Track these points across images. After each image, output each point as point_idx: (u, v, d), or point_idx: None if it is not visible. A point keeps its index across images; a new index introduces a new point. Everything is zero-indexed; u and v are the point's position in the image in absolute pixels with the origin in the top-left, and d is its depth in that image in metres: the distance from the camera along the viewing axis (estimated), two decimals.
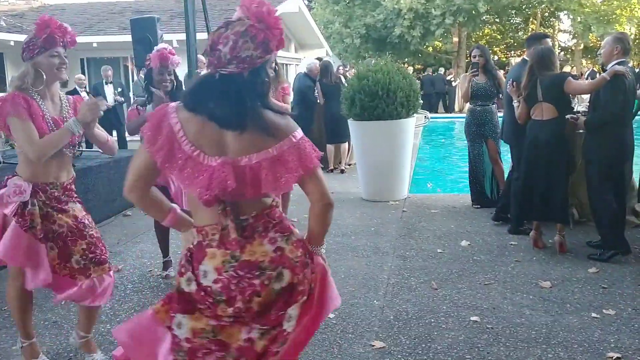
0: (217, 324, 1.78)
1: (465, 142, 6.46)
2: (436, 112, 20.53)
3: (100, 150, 3.06)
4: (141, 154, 1.80)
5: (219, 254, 1.78)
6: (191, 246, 1.86)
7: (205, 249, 1.80)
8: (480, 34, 29.37)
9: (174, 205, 2.02)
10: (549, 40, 5.35)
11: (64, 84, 3.07)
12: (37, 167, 2.76)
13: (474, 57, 6.13)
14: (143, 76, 9.31)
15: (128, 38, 7.67)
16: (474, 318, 3.53)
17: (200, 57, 9.22)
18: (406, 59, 27.04)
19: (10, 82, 2.86)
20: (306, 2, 23.20)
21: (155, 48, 4.06)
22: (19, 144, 2.69)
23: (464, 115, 6.54)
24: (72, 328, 3.51)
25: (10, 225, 2.77)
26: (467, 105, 6.36)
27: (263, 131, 1.75)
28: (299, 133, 1.82)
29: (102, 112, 2.79)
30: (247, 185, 1.74)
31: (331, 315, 3.62)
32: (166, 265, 4.44)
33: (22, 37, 14.34)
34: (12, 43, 13.97)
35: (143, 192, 1.86)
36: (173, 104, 1.83)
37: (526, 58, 5.25)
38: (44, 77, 2.72)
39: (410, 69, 21.10)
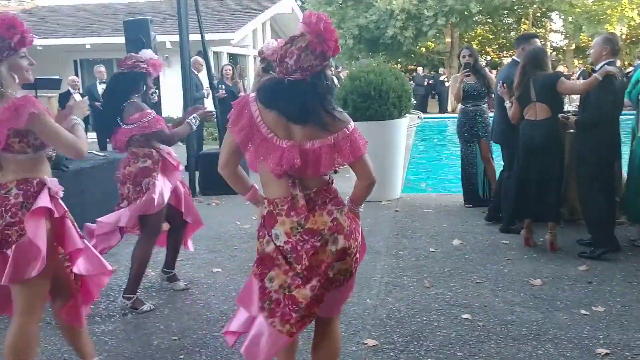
0: (291, 281, 2.24)
1: (458, 142, 6.51)
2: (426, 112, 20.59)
3: (92, 149, 3.01)
4: (229, 135, 2.28)
5: (287, 221, 2.22)
6: (263, 214, 2.32)
7: (276, 217, 2.25)
8: (473, 34, 29.47)
9: (254, 184, 2.45)
10: (537, 40, 5.41)
11: (57, 86, 3.06)
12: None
13: (464, 57, 6.19)
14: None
15: (121, 39, 7.67)
16: (465, 316, 3.57)
17: (197, 58, 9.24)
18: (399, 60, 27.11)
19: None
20: (299, 3, 23.26)
21: (148, 56, 3.87)
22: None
23: (457, 115, 6.59)
24: None
25: None
26: (459, 106, 6.41)
27: (321, 126, 2.19)
28: (351, 126, 2.26)
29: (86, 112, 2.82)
30: (309, 164, 2.20)
31: None
32: (172, 279, 4.23)
33: None
34: None
35: (234, 168, 2.35)
36: (252, 94, 2.27)
37: (516, 58, 5.30)
38: (16, 79, 2.59)
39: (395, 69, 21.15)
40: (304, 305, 2.22)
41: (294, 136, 2.20)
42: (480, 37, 31.20)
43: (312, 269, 2.22)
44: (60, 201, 2.63)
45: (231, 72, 10.17)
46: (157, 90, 4.02)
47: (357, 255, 2.35)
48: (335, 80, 9.16)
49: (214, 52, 15.30)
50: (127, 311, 3.77)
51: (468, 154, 6.30)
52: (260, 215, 2.36)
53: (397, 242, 5.23)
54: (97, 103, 10.09)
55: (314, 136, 2.20)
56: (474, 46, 31.98)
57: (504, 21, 29.89)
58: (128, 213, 3.75)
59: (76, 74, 14.34)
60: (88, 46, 14.60)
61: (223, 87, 9.76)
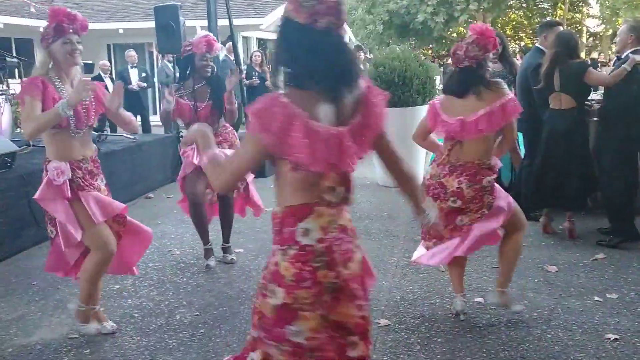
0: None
1: None
2: None
3: (123, 131, 3.29)
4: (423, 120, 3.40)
5: (325, 212, 1.79)
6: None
7: (314, 207, 1.78)
8: (506, 19, 28.96)
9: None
10: (560, 27, 5.35)
11: (90, 70, 3.26)
12: (61, 147, 2.97)
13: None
14: (173, 61, 9.45)
15: (153, 24, 7.84)
16: (478, 299, 3.65)
17: (229, 45, 9.34)
18: (429, 46, 26.84)
19: (33, 70, 3.02)
20: None
21: (200, 34, 4.14)
22: (22, 119, 2.95)
23: None
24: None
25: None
26: None
27: (479, 98, 3.12)
28: (507, 97, 3.13)
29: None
30: (466, 131, 3.18)
31: None
32: (208, 253, 4.38)
33: None
34: (41, 29, 14.28)
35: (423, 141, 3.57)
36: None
37: (539, 46, 5.26)
38: (60, 62, 2.93)
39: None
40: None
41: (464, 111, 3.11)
42: (514, 22, 30.63)
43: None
44: (65, 184, 2.96)
45: (261, 58, 10.24)
46: (211, 65, 4.20)
47: (478, 212, 3.18)
48: (363, 68, 9.18)
49: (243, 37, 15.42)
50: (195, 286, 4.02)
51: None
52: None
53: (415, 227, 5.29)
54: (129, 87, 10.37)
55: (475, 108, 3.07)
56: (508, 32, 31.49)
57: (539, 5, 29.27)
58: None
59: (109, 59, 14.64)
60: (121, 31, 14.85)
61: (255, 74, 9.84)
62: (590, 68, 4.61)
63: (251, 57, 10.56)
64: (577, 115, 4.64)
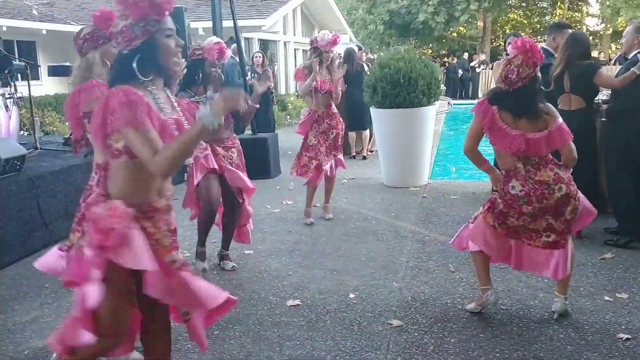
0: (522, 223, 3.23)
1: None
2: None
3: None
4: (475, 123, 3.28)
5: (520, 176, 3.20)
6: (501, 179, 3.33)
7: (512, 177, 3.22)
8: (506, 18, 29.02)
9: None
10: (570, 30, 5.36)
11: (63, 72, 3.21)
12: None
13: (509, 44, 6.05)
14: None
15: None
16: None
17: (233, 46, 9.38)
18: (430, 45, 26.90)
19: (75, 73, 2.96)
20: None
21: (211, 41, 4.08)
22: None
23: None
24: None
25: None
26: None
27: (537, 118, 3.18)
28: (560, 120, 3.23)
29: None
30: (531, 148, 3.16)
31: (351, 296, 3.80)
32: (202, 255, 4.35)
33: (53, 26, 14.70)
34: (44, 32, 14.30)
35: (476, 148, 3.34)
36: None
37: (546, 47, 5.28)
38: (108, 65, 2.90)
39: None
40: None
41: (520, 128, 3.15)
42: (513, 22, 30.69)
43: (542, 209, 3.17)
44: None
45: (261, 59, 10.28)
46: (219, 72, 4.17)
47: (578, 196, 3.23)
48: (366, 68, 9.20)
49: (245, 38, 15.44)
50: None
51: None
52: (500, 180, 3.31)
53: (423, 228, 5.33)
54: None
55: (535, 129, 3.15)
56: (507, 31, 31.52)
57: (538, 4, 29.34)
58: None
59: None
60: None
61: (255, 75, 9.88)
62: (600, 70, 4.62)
63: (252, 58, 10.59)
64: (586, 116, 4.66)
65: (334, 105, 5.59)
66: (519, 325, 3.34)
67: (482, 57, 22.86)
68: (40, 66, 9.88)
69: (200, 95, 4.11)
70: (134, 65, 1.99)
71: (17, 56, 10.66)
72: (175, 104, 2.18)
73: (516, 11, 29.32)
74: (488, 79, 20.08)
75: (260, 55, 10.50)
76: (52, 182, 5.13)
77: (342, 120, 5.69)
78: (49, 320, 3.55)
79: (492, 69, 20.95)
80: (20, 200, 4.81)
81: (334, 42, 5.38)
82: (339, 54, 9.72)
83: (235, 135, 4.38)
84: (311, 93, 5.40)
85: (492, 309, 3.53)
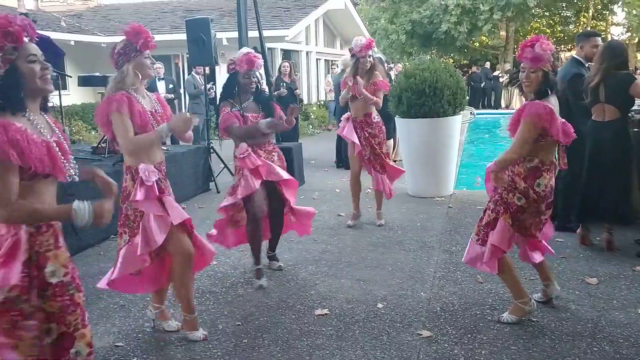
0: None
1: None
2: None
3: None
4: (535, 129, 3.27)
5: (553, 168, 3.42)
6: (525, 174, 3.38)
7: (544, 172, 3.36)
8: (529, 28, 28.80)
9: None
10: (599, 38, 5.30)
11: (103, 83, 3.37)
12: (147, 151, 3.12)
13: None
14: (202, 73, 9.57)
15: (179, 37, 7.97)
16: None
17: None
18: (452, 55, 26.79)
19: (110, 85, 3.13)
20: None
21: (242, 52, 4.20)
22: (117, 136, 3.05)
23: (511, 111, 6.53)
24: (138, 311, 3.79)
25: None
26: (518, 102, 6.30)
27: None
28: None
29: (193, 126, 3.14)
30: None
31: (379, 305, 3.79)
32: (259, 273, 4.28)
33: (81, 37, 14.99)
34: (72, 43, 14.59)
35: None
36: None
37: (576, 57, 5.22)
38: (140, 76, 3.10)
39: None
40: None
41: None
42: (536, 31, 30.44)
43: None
44: (154, 185, 3.09)
45: (289, 68, 10.33)
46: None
47: None
48: (392, 77, 9.20)
49: (268, 49, 15.56)
50: (234, 296, 4.10)
51: None
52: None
53: (450, 238, 5.29)
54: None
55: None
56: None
57: (562, 14, 29.07)
58: (229, 199, 4.22)
59: None
60: None
61: (283, 84, 9.93)
62: (637, 81, 4.53)
63: (279, 67, 10.65)
64: (620, 127, 4.59)
65: (375, 113, 5.63)
66: (552, 337, 3.29)
67: (507, 66, 22.73)
68: (71, 76, 10.06)
69: (239, 105, 4.16)
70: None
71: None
72: (54, 126, 2.21)
73: (539, 20, 29.09)
74: (511, 89, 19.90)
75: (288, 64, 10.55)
76: (82, 189, 5.20)
77: (383, 128, 5.74)
78: None
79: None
80: None
81: (368, 46, 5.46)
82: (379, 57, 9.75)
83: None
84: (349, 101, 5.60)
85: (523, 321, 3.48)
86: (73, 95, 13.68)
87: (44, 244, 2.10)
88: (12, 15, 2.09)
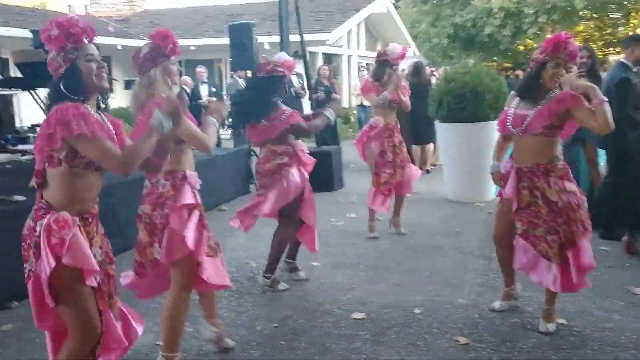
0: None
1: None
2: None
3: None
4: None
5: None
6: None
7: None
8: (576, 31, 28.09)
9: None
10: None
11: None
12: (188, 159, 3.06)
13: (582, 57, 5.86)
14: (244, 77, 9.74)
15: (222, 41, 8.10)
16: (560, 320, 3.55)
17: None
18: (495, 58, 26.36)
19: (139, 90, 3.00)
20: (393, 1, 23.22)
21: (282, 57, 4.23)
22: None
23: None
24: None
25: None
26: None
27: None
28: None
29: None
30: None
31: (416, 311, 3.77)
32: (274, 283, 4.27)
33: (128, 42, 15.39)
34: (119, 47, 14.99)
35: None
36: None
37: (624, 61, 5.09)
38: (169, 82, 3.02)
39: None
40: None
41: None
42: (583, 34, 29.68)
43: None
44: (197, 193, 2.99)
45: (328, 72, 10.38)
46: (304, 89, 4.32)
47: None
48: (433, 81, 9.14)
49: (309, 52, 15.66)
50: (265, 289, 4.18)
51: (570, 159, 6.00)
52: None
53: (489, 244, 5.18)
54: (200, 102, 10.76)
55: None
56: (577, 43, 30.49)
57: (610, 16, 28.24)
58: (268, 205, 4.10)
59: (181, 74, 15.15)
60: (192, 47, 15.35)
61: (322, 88, 9.97)
62: None
63: (319, 70, 10.70)
64: None
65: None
66: (594, 348, 3.21)
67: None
68: (117, 80, 10.37)
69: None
70: (62, 88, 2.22)
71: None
72: (106, 122, 2.37)
73: (587, 22, 28.34)
74: None
75: (328, 67, 10.59)
76: (127, 191, 5.36)
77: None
78: None
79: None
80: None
81: (403, 56, 5.44)
82: (420, 61, 9.72)
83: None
84: (386, 105, 5.47)
85: (564, 331, 3.42)
86: (119, 98, 14.03)
87: (90, 232, 2.33)
88: (75, 18, 2.26)
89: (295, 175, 4.09)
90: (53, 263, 2.16)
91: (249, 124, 4.16)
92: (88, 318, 2.29)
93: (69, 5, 18.95)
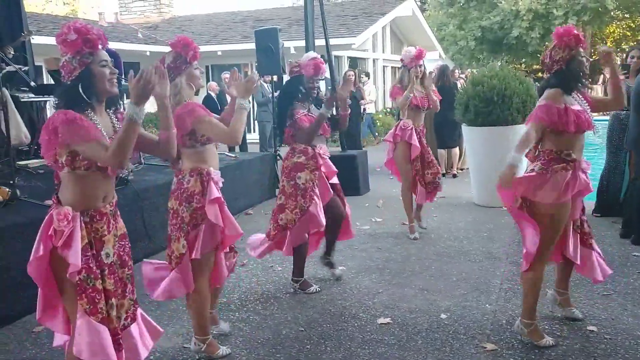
0: None
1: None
2: None
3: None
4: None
5: None
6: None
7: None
8: (607, 31, 27.60)
9: None
10: None
11: (197, 92, 3.40)
12: (211, 156, 3.21)
13: (632, 57, 5.70)
14: (270, 82, 9.84)
15: (249, 46, 8.16)
16: (590, 327, 3.49)
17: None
18: (523, 60, 26.04)
19: (177, 96, 3.11)
20: (419, 4, 23.10)
21: (308, 56, 4.18)
22: (215, 134, 3.09)
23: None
24: None
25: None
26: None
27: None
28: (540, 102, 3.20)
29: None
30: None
31: (443, 316, 3.74)
32: (305, 285, 4.30)
33: (157, 48, 15.63)
34: (147, 53, 15.24)
35: None
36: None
37: None
38: (193, 88, 3.18)
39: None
40: None
41: None
42: (615, 35, 29.14)
43: None
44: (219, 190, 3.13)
45: (353, 77, 10.38)
46: (317, 86, 4.25)
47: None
48: (459, 85, 9.06)
49: (335, 57, 15.68)
50: (297, 291, 4.23)
51: (615, 164, 5.86)
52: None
53: (517, 249, 5.13)
54: (225, 107, 10.89)
55: None
56: (609, 44, 29.89)
57: None
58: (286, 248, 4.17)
59: (207, 79, 15.31)
60: (219, 53, 15.51)
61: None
62: None
63: (344, 75, 10.71)
64: None
65: None
66: (625, 356, 3.15)
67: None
68: None
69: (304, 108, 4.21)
70: (80, 91, 2.31)
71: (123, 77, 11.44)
72: (116, 122, 2.49)
73: (619, 23, 27.80)
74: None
75: (353, 73, 10.61)
76: (155, 195, 5.44)
77: None
78: None
79: (591, 83, 19.94)
80: (126, 213, 5.07)
81: (419, 56, 5.46)
82: (445, 64, 9.66)
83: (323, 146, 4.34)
84: (411, 109, 5.50)
85: (594, 338, 3.35)
86: (147, 104, 14.28)
87: (100, 230, 2.40)
88: (91, 25, 2.38)
89: (303, 178, 4.07)
90: (41, 252, 2.32)
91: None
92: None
93: (99, 13, 19.31)
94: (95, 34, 2.33)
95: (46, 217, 2.38)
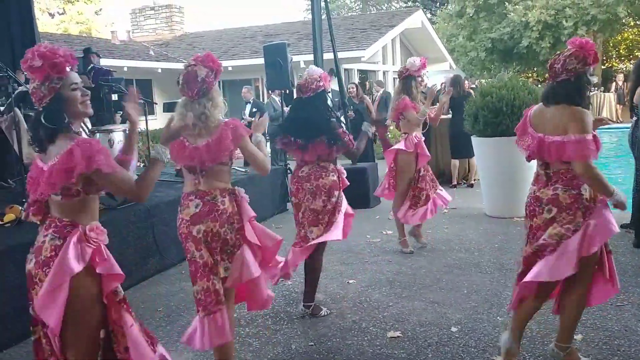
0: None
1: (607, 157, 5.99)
2: None
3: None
4: None
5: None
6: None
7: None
8: (619, 38, 27.46)
9: None
10: None
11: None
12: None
13: None
14: (281, 96, 9.91)
15: (258, 61, 8.23)
16: (603, 339, 3.45)
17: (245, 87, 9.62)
18: (535, 69, 25.95)
19: (216, 112, 3.04)
20: (429, 16, 23.17)
21: (313, 73, 4.07)
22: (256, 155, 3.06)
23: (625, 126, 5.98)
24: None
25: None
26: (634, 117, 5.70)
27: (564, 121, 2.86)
28: (585, 135, 2.81)
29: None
30: (545, 153, 2.91)
31: (454, 329, 3.72)
32: (316, 310, 4.14)
33: (167, 65, 15.83)
34: (159, 70, 15.42)
35: None
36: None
37: None
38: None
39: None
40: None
41: (542, 131, 2.95)
42: (627, 41, 28.96)
43: (532, 228, 3.02)
44: None
45: (355, 90, 10.45)
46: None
47: (566, 225, 2.87)
48: (473, 94, 9.06)
49: (345, 70, 15.75)
50: (307, 316, 4.09)
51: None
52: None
53: None
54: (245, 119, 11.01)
55: (558, 132, 2.84)
56: (621, 51, 29.70)
57: None
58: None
59: None
60: (230, 68, 15.65)
61: (351, 107, 10.03)
62: None
63: (347, 89, 10.76)
64: None
65: None
66: None
67: (594, 79, 21.71)
68: (157, 103, 10.66)
69: None
70: (42, 119, 2.26)
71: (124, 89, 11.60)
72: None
73: (630, 30, 27.64)
74: (599, 102, 18.95)
75: (354, 86, 10.68)
76: (166, 211, 5.48)
77: None
78: (162, 342, 3.74)
79: (603, 91, 19.82)
80: (137, 229, 5.18)
81: (424, 66, 5.50)
82: (457, 75, 9.67)
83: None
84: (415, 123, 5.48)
85: (606, 350, 3.31)
86: (159, 120, 14.43)
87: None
88: (56, 47, 2.29)
89: (336, 197, 4.00)
90: (77, 266, 2.23)
91: (301, 141, 3.98)
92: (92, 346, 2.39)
93: (111, 32, 19.60)
94: (61, 57, 2.25)
95: (64, 246, 2.26)
